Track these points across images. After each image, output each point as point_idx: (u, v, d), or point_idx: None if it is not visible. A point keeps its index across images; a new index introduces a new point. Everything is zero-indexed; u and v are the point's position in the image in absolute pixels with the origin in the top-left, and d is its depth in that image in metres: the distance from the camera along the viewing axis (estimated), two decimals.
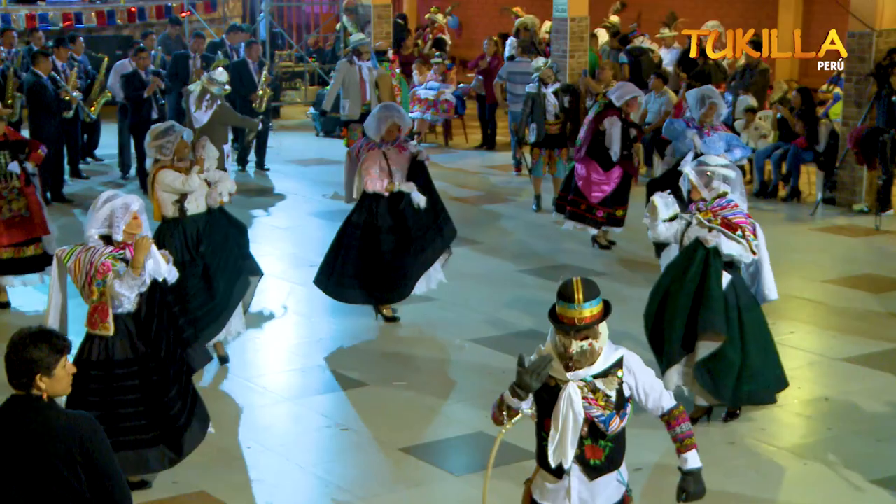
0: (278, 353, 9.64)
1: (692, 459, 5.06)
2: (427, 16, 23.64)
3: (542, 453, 4.96)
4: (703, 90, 11.40)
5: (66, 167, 15.70)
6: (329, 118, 18.31)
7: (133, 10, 22.16)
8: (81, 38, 17.33)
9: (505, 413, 4.85)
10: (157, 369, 7.00)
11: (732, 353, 7.85)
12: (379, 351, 9.67)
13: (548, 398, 4.88)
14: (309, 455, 7.79)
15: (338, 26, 22.34)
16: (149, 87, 15.06)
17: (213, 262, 8.77)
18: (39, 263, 10.59)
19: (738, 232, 7.77)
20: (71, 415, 4.42)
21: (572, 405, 4.83)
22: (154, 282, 6.98)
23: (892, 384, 8.85)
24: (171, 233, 8.66)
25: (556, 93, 14.05)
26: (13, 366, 4.32)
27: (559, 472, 4.93)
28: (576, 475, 4.92)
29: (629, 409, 4.94)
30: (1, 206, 10.36)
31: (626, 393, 4.92)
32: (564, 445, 4.86)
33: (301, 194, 15.35)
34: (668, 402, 5.03)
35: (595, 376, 4.88)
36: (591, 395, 4.84)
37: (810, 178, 15.00)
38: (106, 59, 16.60)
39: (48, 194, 14.55)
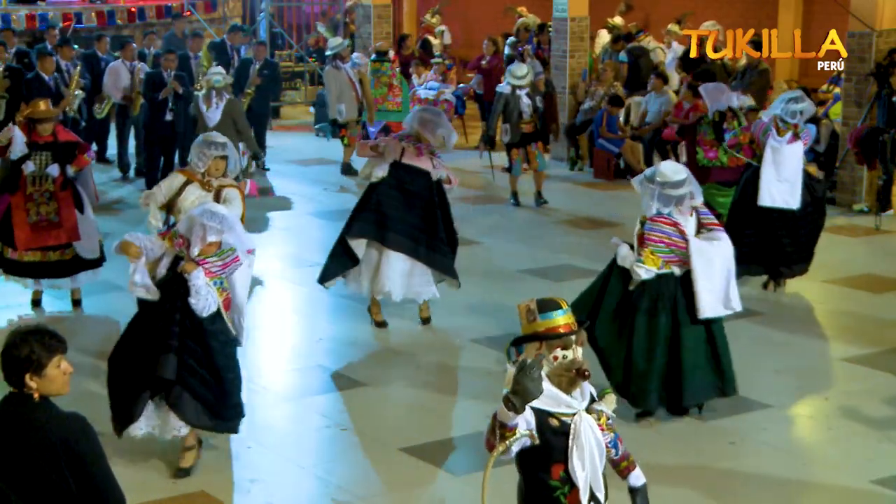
0: (278, 353, 9.64)
1: (641, 476, 4.87)
2: (423, 18, 23.71)
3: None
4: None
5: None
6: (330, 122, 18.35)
7: (133, 10, 22.16)
8: (108, 38, 17.32)
9: (498, 433, 4.26)
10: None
11: (638, 359, 7.87)
12: (379, 351, 9.67)
13: (555, 440, 4.46)
14: (309, 455, 7.80)
15: (320, 28, 22.36)
16: (164, 90, 14.99)
17: None
18: (66, 269, 10.43)
19: (639, 249, 7.84)
20: (59, 414, 4.34)
21: (594, 434, 4.51)
22: (178, 278, 7.05)
23: (892, 384, 8.85)
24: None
25: (528, 94, 14.14)
26: (6, 363, 4.30)
27: None
28: None
29: None
30: (29, 209, 10.19)
31: None
32: (597, 479, 4.53)
33: (301, 194, 15.35)
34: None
35: (591, 401, 4.61)
36: (597, 421, 4.55)
37: None
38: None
39: None
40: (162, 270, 7.22)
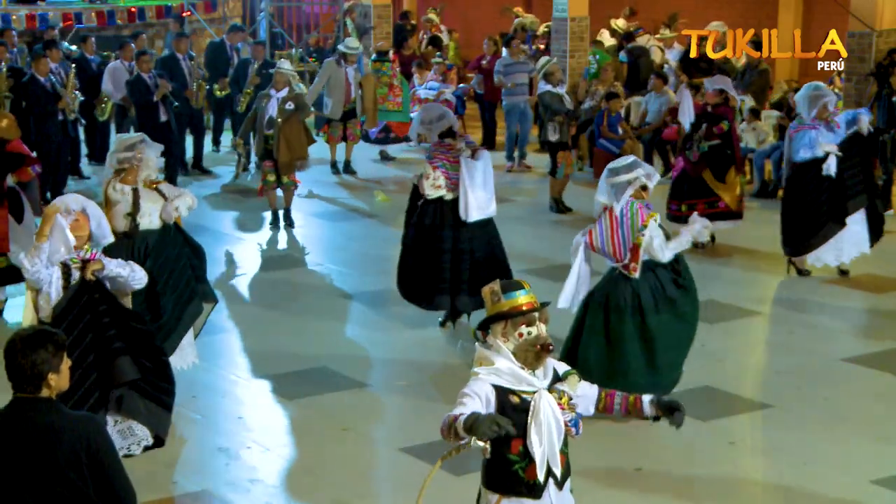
0: (278, 353, 9.63)
1: (649, 399, 4.99)
2: (423, 18, 23.66)
3: (511, 478, 4.74)
4: (810, 89, 11.35)
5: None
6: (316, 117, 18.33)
7: (133, 10, 22.16)
8: (93, 38, 17.30)
9: (452, 440, 4.50)
10: None
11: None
12: (379, 351, 9.67)
13: (515, 416, 4.64)
14: (309, 455, 7.79)
15: (347, 23, 22.26)
16: (158, 90, 14.93)
17: (160, 279, 8.26)
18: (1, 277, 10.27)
19: None
20: (75, 416, 4.44)
21: (553, 412, 4.70)
22: (87, 285, 6.84)
23: (892, 384, 8.85)
24: (118, 248, 7.97)
25: (567, 93, 14.18)
26: (21, 371, 4.33)
27: (538, 491, 4.74)
28: (552, 488, 4.77)
29: None
30: None
31: None
32: (554, 455, 4.73)
33: (302, 194, 15.31)
34: (595, 388, 5.00)
35: (552, 381, 4.79)
36: (558, 400, 4.74)
37: None
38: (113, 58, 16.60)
39: (48, 194, 14.54)
40: (59, 292, 6.91)
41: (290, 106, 13.00)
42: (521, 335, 4.71)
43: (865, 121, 11.00)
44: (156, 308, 8.24)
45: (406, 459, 7.61)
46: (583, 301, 8.06)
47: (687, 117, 12.44)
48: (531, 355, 4.72)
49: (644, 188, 7.84)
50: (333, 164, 16.61)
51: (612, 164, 7.99)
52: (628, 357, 7.93)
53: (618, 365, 7.93)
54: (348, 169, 16.55)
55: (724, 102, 12.22)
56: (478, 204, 9.66)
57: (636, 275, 7.84)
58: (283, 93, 13.05)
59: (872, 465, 7.49)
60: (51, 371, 4.35)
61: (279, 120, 12.93)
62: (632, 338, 7.91)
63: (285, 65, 13.54)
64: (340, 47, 16.71)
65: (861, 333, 9.94)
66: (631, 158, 8.02)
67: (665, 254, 7.87)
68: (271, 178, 13.23)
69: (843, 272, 11.42)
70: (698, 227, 8.03)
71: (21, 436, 4.31)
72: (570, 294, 8.01)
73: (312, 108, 16.29)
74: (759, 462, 7.59)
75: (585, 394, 4.94)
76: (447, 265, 9.75)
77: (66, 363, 4.44)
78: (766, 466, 7.54)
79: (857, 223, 11.20)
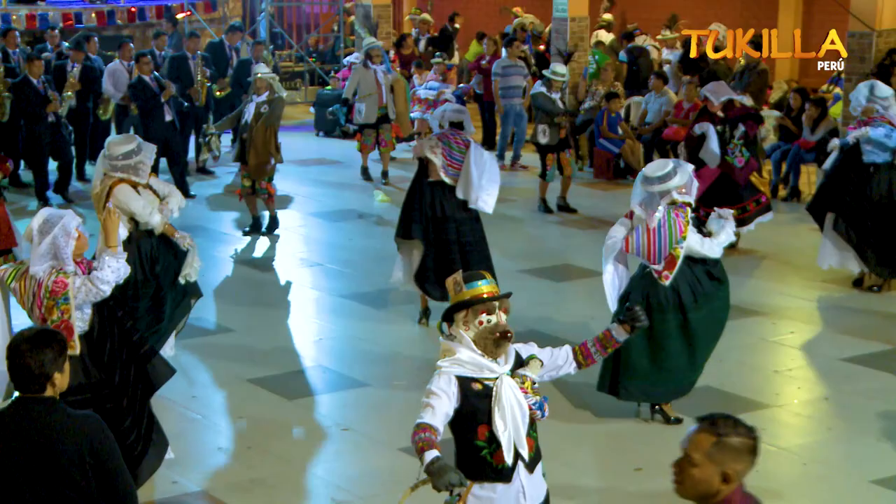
0: (279, 353, 9.63)
1: (613, 326, 5.26)
2: (408, 17, 23.62)
3: (480, 464, 4.83)
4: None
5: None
6: (331, 120, 18.28)
7: (133, 10, 22.16)
8: (96, 38, 17.29)
9: (420, 469, 4.61)
10: (111, 396, 6.47)
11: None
12: (379, 351, 9.67)
13: (479, 403, 4.81)
14: (309, 455, 7.80)
15: (354, 24, 22.23)
16: (165, 91, 14.83)
17: (165, 282, 8.24)
18: None
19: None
20: (78, 415, 4.46)
21: (515, 395, 4.81)
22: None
23: (892, 384, 8.85)
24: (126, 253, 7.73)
25: (561, 98, 14.13)
26: (28, 370, 4.35)
27: (508, 475, 4.83)
28: (521, 472, 4.85)
29: None
30: None
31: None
32: (520, 438, 4.82)
33: (302, 194, 15.34)
34: (566, 348, 5.19)
35: (514, 366, 4.92)
36: (521, 385, 4.86)
37: (810, 178, 14.99)
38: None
39: (48, 193, 14.56)
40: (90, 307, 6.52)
41: (265, 109, 12.87)
42: (480, 323, 4.86)
43: (858, 133, 10.65)
44: (160, 311, 8.24)
45: (406, 459, 7.59)
46: (619, 299, 7.96)
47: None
48: (490, 343, 4.86)
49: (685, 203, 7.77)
50: (364, 170, 16.21)
51: (648, 172, 7.75)
52: (672, 355, 7.89)
53: (661, 363, 7.90)
54: (386, 178, 16.03)
55: (730, 103, 12.20)
56: (486, 196, 9.81)
57: (667, 283, 7.79)
58: (263, 97, 12.92)
59: (872, 465, 7.49)
60: (56, 371, 4.38)
61: (253, 124, 12.83)
62: (675, 335, 7.88)
63: (262, 69, 13.40)
64: (364, 48, 16.57)
65: (861, 333, 9.93)
66: (667, 167, 7.70)
67: (716, 250, 7.88)
68: (247, 182, 13.06)
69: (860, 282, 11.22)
70: (731, 218, 8.03)
71: (25, 435, 4.33)
72: (616, 295, 7.94)
73: (348, 124, 16.28)
74: (759, 462, 7.58)
75: (558, 356, 5.14)
76: (455, 256, 9.78)
77: (68, 363, 4.46)
78: (767, 466, 7.53)
79: (832, 236, 11.01)
